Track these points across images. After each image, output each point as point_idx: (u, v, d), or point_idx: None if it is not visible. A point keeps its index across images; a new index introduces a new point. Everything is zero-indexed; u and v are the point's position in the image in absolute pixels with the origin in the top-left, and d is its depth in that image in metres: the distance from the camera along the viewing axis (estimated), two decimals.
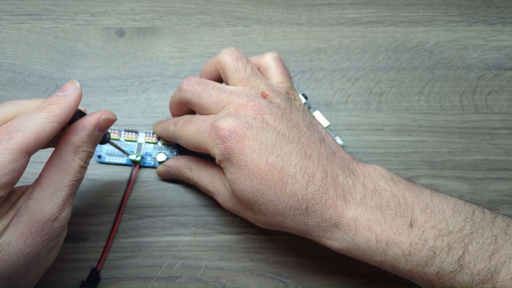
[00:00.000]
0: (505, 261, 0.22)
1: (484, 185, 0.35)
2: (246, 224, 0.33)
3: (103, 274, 0.31)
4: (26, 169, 0.22)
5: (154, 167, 0.34)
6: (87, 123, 0.24)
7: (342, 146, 0.30)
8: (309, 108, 0.35)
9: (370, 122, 0.37)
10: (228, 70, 0.29)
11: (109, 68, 0.37)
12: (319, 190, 0.25)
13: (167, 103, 0.36)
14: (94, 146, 0.25)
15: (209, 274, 0.32)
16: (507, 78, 0.38)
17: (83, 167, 0.25)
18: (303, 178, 0.25)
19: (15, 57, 0.37)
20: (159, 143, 0.34)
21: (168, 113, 0.34)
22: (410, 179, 0.27)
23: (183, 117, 0.30)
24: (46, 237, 0.23)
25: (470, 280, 0.22)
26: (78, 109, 0.25)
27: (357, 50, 0.39)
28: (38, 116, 0.22)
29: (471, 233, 0.23)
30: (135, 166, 0.34)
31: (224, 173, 0.27)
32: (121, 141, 0.34)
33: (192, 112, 0.32)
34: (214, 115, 0.27)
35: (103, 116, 0.25)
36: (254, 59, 0.32)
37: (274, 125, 0.26)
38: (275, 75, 0.30)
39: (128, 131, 0.34)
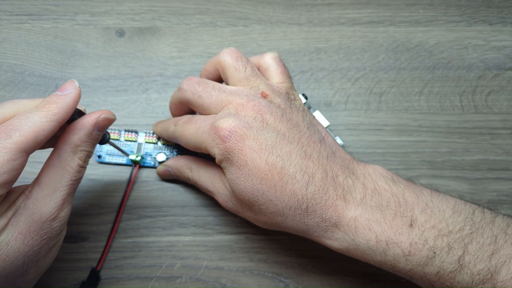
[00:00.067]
0: (505, 261, 0.22)
1: (484, 185, 0.35)
2: (246, 224, 0.33)
3: (103, 274, 0.31)
4: (26, 169, 0.22)
5: (154, 167, 0.34)
6: (86, 123, 0.24)
7: (342, 146, 0.30)
8: (309, 108, 0.35)
9: (370, 122, 0.37)
10: (228, 70, 0.29)
11: (109, 68, 0.37)
12: (319, 190, 0.25)
13: (167, 103, 0.36)
14: (93, 145, 0.25)
15: (209, 274, 0.32)
16: (507, 78, 0.38)
17: (82, 167, 0.24)
18: (303, 178, 0.25)
19: (15, 57, 0.37)
20: (159, 143, 0.34)
21: (168, 113, 0.34)
22: (410, 179, 0.27)
23: (183, 117, 0.30)
24: (45, 237, 0.23)
25: (470, 280, 0.22)
26: (77, 109, 0.25)
27: (357, 50, 0.39)
28: (36, 115, 0.22)
29: (471, 233, 0.23)
30: (135, 166, 0.34)
31: (224, 173, 0.27)
32: (121, 141, 0.34)
33: (192, 112, 0.32)
34: (214, 115, 0.27)
35: (102, 116, 0.25)
36: (254, 59, 0.32)
37: (274, 125, 0.26)
38: (275, 75, 0.30)
39: (128, 131, 0.34)
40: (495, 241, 0.23)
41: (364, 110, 0.37)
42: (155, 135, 0.34)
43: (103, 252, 0.31)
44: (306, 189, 0.24)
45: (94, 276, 0.31)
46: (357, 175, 0.26)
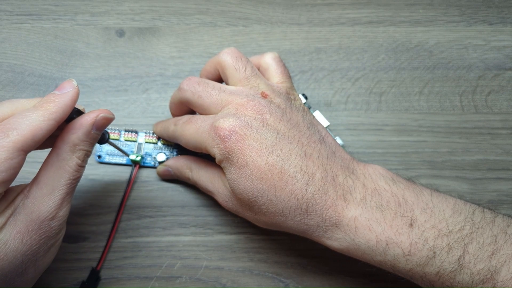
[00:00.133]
0: (505, 261, 0.22)
1: (484, 185, 0.35)
2: (246, 224, 0.33)
3: (103, 274, 0.31)
4: (25, 168, 0.22)
5: (154, 167, 0.34)
6: (85, 122, 0.24)
7: (342, 146, 0.30)
8: (309, 108, 0.35)
9: (370, 122, 0.37)
10: (228, 70, 0.29)
11: (109, 68, 0.37)
12: (319, 190, 0.25)
13: (167, 103, 0.36)
14: (92, 145, 0.25)
15: (209, 274, 0.32)
16: (507, 78, 0.38)
17: (81, 166, 0.24)
18: (303, 178, 0.25)
19: (15, 57, 0.37)
20: (159, 143, 0.34)
21: (168, 113, 0.34)
22: (410, 179, 0.27)
23: (183, 117, 0.30)
24: (43, 236, 0.23)
25: (470, 280, 0.22)
26: (76, 108, 0.25)
27: (357, 50, 0.39)
28: (34, 114, 0.22)
29: (471, 233, 0.23)
30: (135, 166, 0.34)
31: (224, 173, 0.27)
32: (121, 141, 0.34)
33: (192, 112, 0.32)
34: (214, 115, 0.27)
35: (101, 115, 0.25)
36: (254, 59, 0.32)
37: (274, 125, 0.26)
38: (275, 75, 0.30)
39: (128, 131, 0.34)
40: (495, 241, 0.23)
41: (364, 110, 0.37)
42: (155, 135, 0.34)
43: (103, 252, 0.31)
44: (306, 189, 0.24)
45: (94, 276, 0.31)
46: (357, 175, 0.26)
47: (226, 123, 0.25)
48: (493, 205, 0.34)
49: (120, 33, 0.39)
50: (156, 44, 0.38)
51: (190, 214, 0.33)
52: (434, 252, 0.23)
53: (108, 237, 0.32)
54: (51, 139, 0.24)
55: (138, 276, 0.31)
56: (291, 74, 0.36)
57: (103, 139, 0.28)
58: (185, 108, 0.31)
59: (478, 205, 0.25)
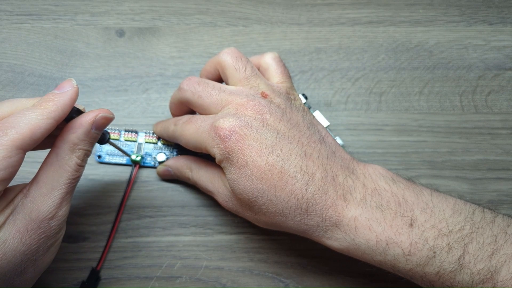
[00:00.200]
0: (505, 261, 0.22)
1: (484, 185, 0.35)
2: (246, 224, 0.33)
3: (103, 274, 0.31)
4: (25, 168, 0.22)
5: (154, 167, 0.34)
6: (84, 121, 0.24)
7: (342, 146, 0.30)
8: (309, 108, 0.35)
9: (370, 122, 0.37)
10: (228, 70, 0.29)
11: (109, 68, 0.37)
12: (319, 190, 0.25)
13: (167, 103, 0.36)
14: (92, 144, 0.25)
15: (209, 274, 0.32)
16: (507, 78, 0.38)
17: (81, 166, 0.24)
18: (303, 178, 0.25)
19: (15, 57, 0.37)
20: (159, 143, 0.34)
21: (168, 113, 0.34)
22: (410, 179, 0.27)
23: (183, 117, 0.30)
24: (43, 236, 0.23)
25: (470, 280, 0.22)
26: (75, 107, 0.25)
27: (357, 50, 0.39)
28: (33, 112, 0.22)
29: (471, 232, 0.23)
30: (135, 166, 0.34)
31: (224, 173, 0.27)
32: (121, 141, 0.34)
33: (192, 112, 0.32)
34: (214, 115, 0.27)
35: (100, 114, 0.25)
36: (254, 59, 0.32)
37: (274, 125, 0.26)
38: (275, 75, 0.30)
39: (128, 131, 0.34)
40: (495, 240, 0.23)
41: (364, 110, 0.37)
42: (155, 135, 0.34)
43: (103, 252, 0.31)
44: (306, 189, 0.24)
45: (94, 276, 0.31)
46: (357, 175, 0.26)
47: (226, 123, 0.25)
48: (493, 205, 0.34)
49: (120, 33, 0.39)
50: (156, 44, 0.38)
51: (190, 214, 0.33)
52: (434, 252, 0.23)
53: (108, 237, 0.32)
54: (51, 139, 0.24)
55: (138, 276, 0.31)
56: (291, 74, 0.36)
57: (104, 139, 0.28)
58: (185, 108, 0.31)
59: (478, 205, 0.25)
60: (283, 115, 0.27)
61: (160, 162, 0.34)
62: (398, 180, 0.26)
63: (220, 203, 0.29)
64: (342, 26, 0.40)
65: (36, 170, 0.24)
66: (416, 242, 0.23)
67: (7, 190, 0.23)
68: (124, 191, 0.33)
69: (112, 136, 0.34)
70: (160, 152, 0.34)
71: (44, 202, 0.23)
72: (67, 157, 0.24)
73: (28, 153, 0.23)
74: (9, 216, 0.22)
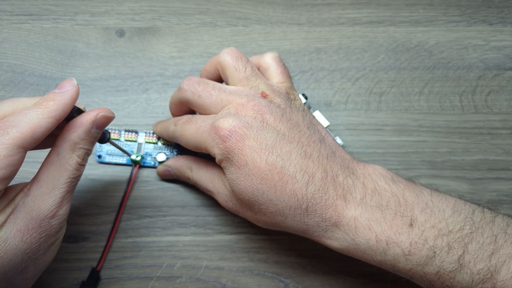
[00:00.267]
0: (505, 261, 0.22)
1: (484, 185, 0.35)
2: (246, 224, 0.33)
3: (103, 274, 0.31)
4: (25, 168, 0.22)
5: (154, 167, 0.34)
6: (85, 120, 0.24)
7: (342, 146, 0.30)
8: (309, 108, 0.35)
9: (370, 122, 0.37)
10: (228, 70, 0.29)
11: (109, 68, 0.37)
12: (319, 189, 0.25)
13: (167, 103, 0.36)
14: (92, 143, 0.25)
15: (209, 274, 0.32)
16: (507, 78, 0.39)
17: (81, 165, 0.24)
18: (303, 178, 0.25)
19: (15, 57, 0.37)
20: (159, 143, 0.34)
21: (168, 113, 0.34)
22: (410, 179, 0.27)
23: (183, 117, 0.30)
24: (43, 234, 0.23)
25: (470, 280, 0.22)
26: (76, 107, 0.25)
27: (357, 50, 0.39)
28: (34, 112, 0.22)
29: (471, 232, 0.23)
30: (135, 166, 0.34)
31: (224, 173, 0.27)
32: (121, 141, 0.34)
33: (192, 112, 0.32)
34: (214, 115, 0.27)
35: (101, 114, 0.25)
36: (254, 59, 0.32)
37: (274, 125, 0.26)
38: (275, 75, 0.30)
39: (128, 131, 0.34)
40: (495, 240, 0.23)
41: (364, 110, 0.37)
42: (155, 135, 0.34)
43: (103, 252, 0.31)
44: (306, 189, 0.24)
45: (94, 276, 0.31)
46: (357, 175, 0.26)
47: (226, 123, 0.25)
48: (493, 205, 0.34)
49: (120, 33, 0.39)
50: (156, 44, 0.38)
51: (190, 214, 0.33)
52: (434, 252, 0.23)
53: (108, 237, 0.32)
54: (51, 138, 0.24)
55: (138, 276, 0.31)
56: (291, 74, 0.36)
57: (104, 138, 0.28)
58: (185, 108, 0.31)
59: (478, 205, 0.25)
60: (283, 115, 0.27)
61: (160, 162, 0.34)
62: (398, 180, 0.26)
63: (220, 203, 0.29)
64: (342, 26, 0.40)
65: (36, 170, 0.24)
66: (416, 242, 0.23)
67: (8, 189, 0.23)
68: (124, 191, 0.33)
69: (112, 136, 0.34)
70: (160, 152, 0.34)
71: (45, 201, 0.23)
72: (68, 156, 0.24)
73: (28, 153, 0.23)
74: (10, 214, 0.22)
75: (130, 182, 0.33)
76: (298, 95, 0.30)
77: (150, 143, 0.34)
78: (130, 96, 0.37)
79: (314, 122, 0.28)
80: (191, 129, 0.28)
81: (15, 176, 0.22)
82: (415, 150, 0.36)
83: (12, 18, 0.38)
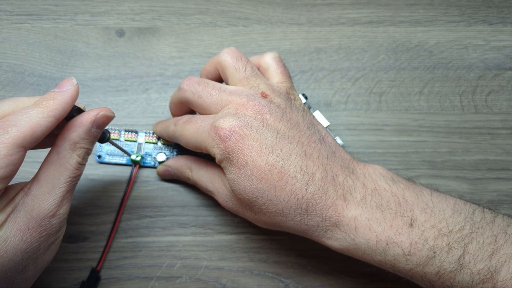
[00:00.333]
0: (505, 261, 0.22)
1: (484, 185, 0.35)
2: (246, 224, 0.33)
3: (103, 274, 0.31)
4: (25, 168, 0.22)
5: (154, 167, 0.34)
6: (85, 120, 0.24)
7: (342, 146, 0.30)
8: (309, 108, 0.35)
9: (370, 122, 0.37)
10: (228, 70, 0.29)
11: (109, 68, 0.37)
12: (319, 189, 0.25)
13: (167, 103, 0.36)
14: (92, 143, 0.25)
15: (209, 274, 0.32)
16: (507, 78, 0.38)
17: (81, 164, 0.24)
18: (303, 178, 0.25)
19: (15, 57, 0.37)
20: (159, 143, 0.34)
21: (168, 113, 0.34)
22: (410, 179, 0.27)
23: (183, 117, 0.30)
24: (43, 234, 0.23)
25: (470, 280, 0.22)
26: (76, 106, 0.25)
27: (357, 50, 0.39)
28: (34, 111, 0.22)
29: (471, 232, 0.23)
30: (135, 166, 0.34)
31: (224, 173, 0.27)
32: (121, 141, 0.34)
33: (192, 112, 0.32)
34: (214, 115, 0.27)
35: (101, 113, 0.25)
36: (254, 59, 0.32)
37: (274, 125, 0.26)
38: (275, 75, 0.30)
39: (128, 131, 0.34)
40: (495, 240, 0.23)
41: (364, 110, 0.37)
42: (155, 135, 0.34)
43: (103, 252, 0.31)
44: (306, 189, 0.24)
45: (94, 276, 0.31)
46: (357, 175, 0.26)
47: (226, 123, 0.25)
48: (493, 205, 0.34)
49: (120, 33, 0.39)
50: (156, 44, 0.38)
51: (190, 214, 0.33)
52: (434, 252, 0.23)
53: (108, 237, 0.32)
54: (51, 137, 0.24)
55: (138, 276, 0.31)
56: (291, 74, 0.36)
57: (104, 138, 0.28)
58: (185, 108, 0.31)
59: (478, 205, 0.25)
60: (283, 115, 0.27)
61: (160, 162, 0.34)
62: (398, 180, 0.26)
63: (220, 203, 0.29)
64: (342, 26, 0.40)
65: (36, 170, 0.24)
66: (416, 242, 0.23)
67: (8, 188, 0.23)
68: (124, 191, 0.33)
69: (112, 136, 0.34)
70: (160, 152, 0.34)
71: (45, 200, 0.23)
72: (68, 156, 0.24)
73: (28, 153, 0.23)
74: (10, 214, 0.22)
75: (130, 182, 0.33)
76: (298, 95, 0.30)
77: (150, 143, 0.34)
78: (130, 96, 0.37)
79: (314, 122, 0.28)
80: (191, 129, 0.28)
81: (15, 176, 0.22)
82: (415, 150, 0.36)
83: (12, 18, 0.38)
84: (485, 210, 0.25)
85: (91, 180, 0.34)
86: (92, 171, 0.34)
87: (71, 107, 0.24)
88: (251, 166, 0.25)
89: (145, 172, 0.34)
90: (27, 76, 0.37)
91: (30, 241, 0.23)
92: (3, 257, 0.22)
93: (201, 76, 0.32)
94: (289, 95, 0.29)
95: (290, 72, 0.34)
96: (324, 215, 0.25)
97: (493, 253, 0.22)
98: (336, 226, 0.25)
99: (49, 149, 0.25)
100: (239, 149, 0.25)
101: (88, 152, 0.25)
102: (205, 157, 0.32)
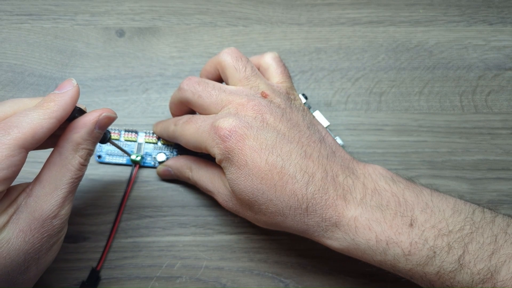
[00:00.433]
0: (505, 261, 0.22)
1: (484, 185, 0.35)
2: (246, 224, 0.33)
3: (103, 274, 0.31)
4: (27, 169, 0.22)
5: (154, 167, 0.34)
6: (87, 121, 0.24)
7: (342, 146, 0.30)
8: (309, 108, 0.35)
9: (370, 122, 0.37)
10: (228, 70, 0.29)
11: (109, 68, 0.37)
12: (319, 189, 0.25)
13: (167, 103, 0.36)
14: (94, 144, 0.25)
15: (209, 274, 0.32)
16: (507, 78, 0.39)
17: (83, 165, 0.25)
18: (303, 178, 0.25)
19: (15, 57, 0.37)
20: (159, 143, 0.34)
21: (168, 113, 0.34)
22: (410, 179, 0.27)
23: (183, 117, 0.30)
24: (45, 234, 0.23)
25: (470, 280, 0.22)
26: (78, 107, 0.25)
27: (357, 50, 0.39)
28: (35, 112, 0.22)
29: (471, 232, 0.23)
30: (135, 166, 0.34)
31: (224, 173, 0.27)
32: (121, 141, 0.34)
33: (192, 112, 0.32)
34: (214, 115, 0.27)
35: (104, 114, 0.25)
36: (254, 59, 0.32)
37: (274, 125, 0.26)
38: (275, 75, 0.30)
39: (128, 131, 0.34)
40: (495, 240, 0.23)
41: (364, 110, 0.37)
42: (155, 135, 0.34)
43: (103, 252, 0.31)
44: (306, 189, 0.24)
45: (94, 276, 0.31)
46: (357, 175, 0.26)
47: (226, 123, 0.25)
48: (493, 205, 0.34)
49: (120, 33, 0.39)
50: (156, 44, 0.38)
51: (190, 214, 0.33)
52: (434, 252, 0.23)
53: (108, 237, 0.32)
54: (53, 138, 0.24)
55: (138, 276, 0.31)
56: (291, 74, 0.36)
57: (105, 138, 0.28)
58: (185, 108, 0.31)
59: (478, 205, 0.25)
60: (283, 115, 0.27)
61: (160, 162, 0.34)
62: (398, 180, 0.26)
63: (220, 203, 0.29)
64: (342, 26, 0.40)
65: (37, 170, 0.24)
66: (416, 242, 0.23)
67: (10, 189, 0.23)
68: (124, 191, 0.33)
69: (112, 136, 0.34)
70: (160, 152, 0.34)
71: (47, 201, 0.23)
72: (71, 157, 0.24)
73: (29, 154, 0.23)
74: (12, 215, 0.23)
75: (130, 182, 0.33)
76: (298, 95, 0.30)
77: (150, 143, 0.34)
78: (130, 96, 0.37)
79: (314, 122, 0.28)
80: (191, 129, 0.28)
81: (17, 177, 0.22)
82: (415, 150, 0.36)
83: (12, 18, 0.38)
84: (485, 210, 0.25)
85: (91, 180, 0.34)
86: (92, 171, 0.34)
87: (72, 108, 0.24)
88: (251, 166, 0.25)
89: (145, 172, 0.34)
90: (27, 76, 0.37)
91: (32, 242, 0.23)
92: (6, 258, 0.22)
93: (201, 76, 0.32)
94: (289, 95, 0.29)
95: (290, 72, 0.34)
96: (324, 215, 0.25)
97: (493, 253, 0.22)
98: (336, 226, 0.25)
99: (51, 149, 0.25)
100: (239, 149, 0.25)
101: (90, 153, 0.25)
102: (205, 157, 0.32)
